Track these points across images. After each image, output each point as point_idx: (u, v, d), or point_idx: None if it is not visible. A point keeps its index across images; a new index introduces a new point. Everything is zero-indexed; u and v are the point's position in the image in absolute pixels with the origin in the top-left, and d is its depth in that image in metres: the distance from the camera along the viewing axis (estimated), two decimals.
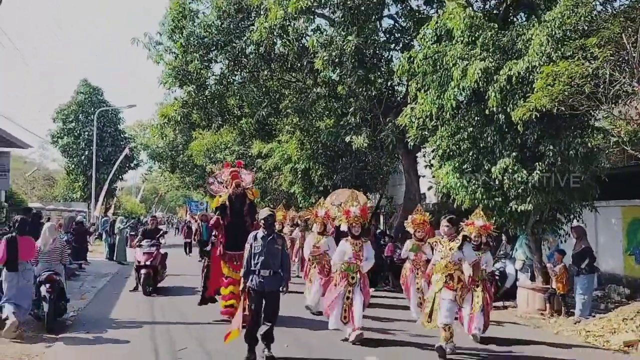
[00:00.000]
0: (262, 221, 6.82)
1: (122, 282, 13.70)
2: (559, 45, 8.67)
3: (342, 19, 13.33)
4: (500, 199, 9.70)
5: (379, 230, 17.48)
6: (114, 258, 18.40)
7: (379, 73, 13.86)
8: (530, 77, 8.78)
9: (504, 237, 12.37)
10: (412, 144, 11.60)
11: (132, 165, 39.13)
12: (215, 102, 17.72)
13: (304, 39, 15.47)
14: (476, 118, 9.84)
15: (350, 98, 14.95)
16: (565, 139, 8.94)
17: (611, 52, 7.81)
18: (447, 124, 10.24)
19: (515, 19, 12.98)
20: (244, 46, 16.11)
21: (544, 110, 8.31)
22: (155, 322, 9.05)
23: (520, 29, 9.84)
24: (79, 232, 16.97)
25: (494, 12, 12.96)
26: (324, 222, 10.26)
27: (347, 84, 13.84)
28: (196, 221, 24.81)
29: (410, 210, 12.16)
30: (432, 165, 13.11)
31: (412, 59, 10.57)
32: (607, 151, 9.37)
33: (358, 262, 7.88)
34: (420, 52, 10.39)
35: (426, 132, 10.91)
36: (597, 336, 8.19)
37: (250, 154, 23.41)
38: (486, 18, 10.64)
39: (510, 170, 9.29)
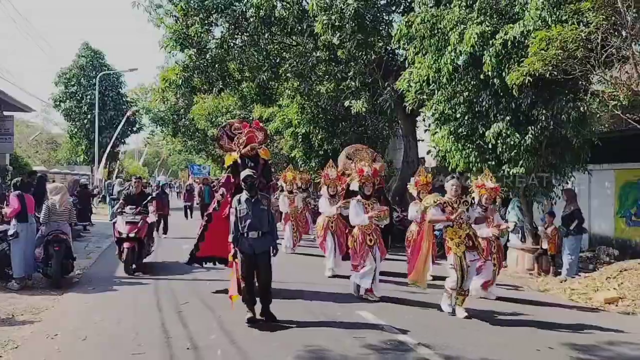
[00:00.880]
0: (242, 183, 6.66)
1: None
2: (555, 9, 8.72)
3: None
4: (493, 162, 9.94)
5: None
6: None
7: (378, 37, 13.85)
8: (526, 41, 8.87)
9: (497, 200, 12.61)
10: (409, 108, 11.75)
11: (134, 129, 39.29)
12: (216, 66, 17.72)
13: (304, 1, 15.44)
14: (472, 82, 9.96)
15: (350, 62, 14.98)
16: (558, 103, 9.11)
17: (604, 16, 7.88)
18: (443, 88, 10.36)
19: None
20: (244, 9, 16.07)
21: (537, 74, 8.45)
22: (159, 277, 9.44)
23: None
24: (83, 195, 17.29)
25: None
26: (336, 185, 10.34)
27: (346, 48, 13.87)
28: (198, 184, 25.19)
29: (408, 174, 12.34)
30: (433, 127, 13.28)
31: (410, 23, 10.62)
32: (598, 115, 9.50)
33: (372, 223, 7.88)
34: (419, 16, 10.44)
35: (423, 97, 11.05)
36: (581, 294, 8.53)
37: (251, 118, 23.55)
38: None
39: (503, 134, 9.51)
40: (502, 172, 9.85)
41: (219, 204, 8.18)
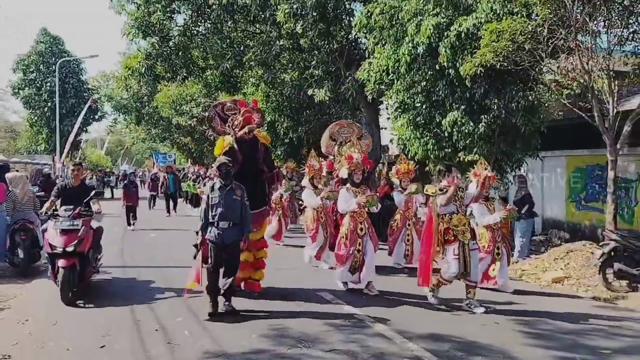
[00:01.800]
0: (217, 170, 6.47)
1: None
2: (505, 2, 9.14)
3: None
4: (449, 150, 10.37)
5: None
6: None
7: (340, 26, 14.09)
8: (479, 33, 9.26)
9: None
10: (370, 97, 12.06)
11: (96, 117, 38.58)
12: (180, 53, 17.70)
13: None
14: (429, 72, 10.33)
15: (313, 51, 15.18)
16: (509, 92, 9.58)
17: (550, 10, 8.31)
18: (402, 78, 10.71)
19: None
20: None
21: (489, 65, 8.86)
22: (127, 265, 9.56)
23: None
24: (46, 184, 17.07)
25: None
26: (320, 175, 9.93)
27: (309, 37, 14.06)
28: (163, 173, 24.92)
29: (372, 161, 12.61)
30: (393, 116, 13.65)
31: (369, 13, 10.91)
32: (547, 104, 10.00)
33: (363, 211, 7.56)
34: (378, 7, 10.73)
35: (383, 86, 11.39)
36: (530, 274, 9.04)
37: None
38: None
39: (459, 123, 9.93)
40: (458, 159, 10.28)
41: None
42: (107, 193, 30.97)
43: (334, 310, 6.68)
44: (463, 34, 9.37)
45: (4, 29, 78.00)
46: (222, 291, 6.39)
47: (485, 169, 7.55)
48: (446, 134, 10.22)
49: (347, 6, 14.37)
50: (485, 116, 9.74)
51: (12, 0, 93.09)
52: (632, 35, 9.44)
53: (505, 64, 8.83)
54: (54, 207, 7.46)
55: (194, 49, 17.73)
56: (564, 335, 5.81)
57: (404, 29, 10.27)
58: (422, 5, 10.06)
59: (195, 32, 17.54)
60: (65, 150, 31.16)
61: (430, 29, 9.56)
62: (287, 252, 11.14)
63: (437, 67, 9.98)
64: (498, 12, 9.06)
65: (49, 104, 33.55)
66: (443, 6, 9.93)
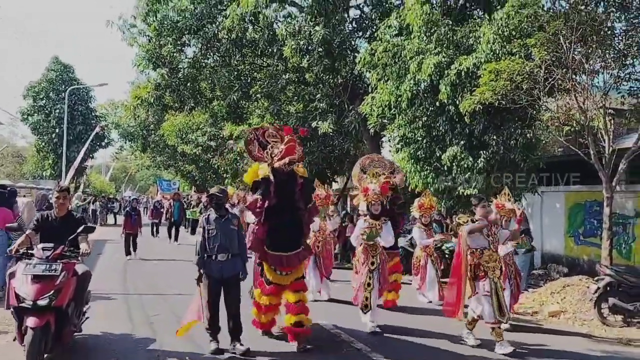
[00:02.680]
0: (209, 200, 6.37)
1: (93, 257, 14.20)
2: (505, 43, 9.51)
3: (311, 9, 13.92)
4: (449, 184, 10.60)
5: (344, 212, 18.30)
6: None
7: (344, 62, 14.52)
8: (478, 72, 9.61)
9: (454, 218, 13.32)
10: (372, 130, 12.38)
11: (103, 144, 39.10)
12: (188, 84, 18.20)
13: (275, 24, 16.04)
14: (430, 108, 10.67)
15: (318, 84, 15.61)
16: (508, 129, 9.87)
17: (547, 52, 8.66)
18: (404, 113, 11.04)
19: (472, 13, 13.76)
20: (216, 31, 16.59)
21: (487, 103, 9.17)
22: (128, 293, 9.71)
23: (473, 26, 10.64)
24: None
25: (453, 5, 13.72)
26: (328, 204, 9.82)
27: (314, 71, 14.48)
28: (168, 200, 25.08)
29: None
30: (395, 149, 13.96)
31: (373, 51, 11.31)
32: (544, 141, 10.28)
33: (377, 244, 7.27)
34: (381, 45, 11.13)
35: (385, 120, 11.72)
36: (528, 308, 9.17)
37: (221, 135, 23.95)
38: (445, 12, 11.40)
39: (458, 157, 10.21)
40: (457, 192, 10.52)
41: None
42: (110, 219, 31.30)
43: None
44: (463, 73, 9.71)
45: (4, 29, 78.69)
46: (229, 332, 6.06)
47: (509, 200, 7.42)
48: (446, 168, 10.49)
49: (352, 43, 14.82)
50: (484, 151, 10.02)
51: (12, 0, 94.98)
52: (628, 76, 9.79)
53: (504, 102, 9.14)
54: (28, 245, 5.74)
55: (202, 80, 18.20)
56: None
57: (406, 66, 10.63)
58: (424, 44, 10.44)
59: (204, 64, 18.05)
60: (69, 176, 31.45)
61: (431, 67, 9.92)
62: None
63: (437, 103, 10.32)
64: (497, 52, 9.43)
65: (57, 130, 34.05)
66: (444, 46, 10.30)
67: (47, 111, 35.02)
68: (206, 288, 6.03)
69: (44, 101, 35.15)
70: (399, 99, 10.89)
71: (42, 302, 5.14)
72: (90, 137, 33.28)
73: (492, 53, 9.52)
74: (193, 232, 21.37)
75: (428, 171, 10.85)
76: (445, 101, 10.04)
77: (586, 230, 12.98)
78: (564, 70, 8.86)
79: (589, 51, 8.89)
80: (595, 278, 8.80)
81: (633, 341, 7.29)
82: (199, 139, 28.65)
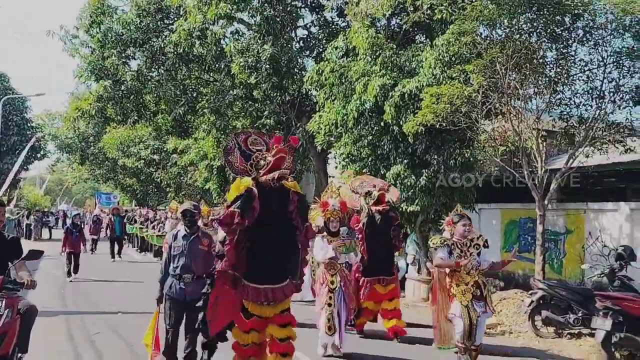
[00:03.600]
0: (182, 216, 5.85)
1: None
2: (445, 68, 9.98)
3: (259, 28, 14.08)
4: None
5: None
6: None
7: (292, 80, 14.72)
8: (420, 94, 10.02)
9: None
10: (319, 147, 12.61)
11: (38, 155, 37.58)
12: (132, 97, 17.87)
13: (222, 41, 16.08)
14: (375, 128, 10.99)
15: (265, 101, 15.74)
16: (448, 150, 10.32)
17: (484, 77, 9.16)
18: (350, 132, 11.34)
19: (415, 39, 14.31)
20: (162, 45, 16.43)
21: (429, 124, 9.57)
22: (69, 311, 9.45)
23: (416, 50, 11.09)
24: None
25: (397, 30, 14.23)
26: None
27: (262, 88, 14.60)
28: (107, 215, 24.37)
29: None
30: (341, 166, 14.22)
31: (320, 71, 11.58)
32: (481, 162, 10.80)
33: (336, 262, 6.89)
34: (328, 66, 11.42)
35: (332, 138, 11.98)
36: None
37: (165, 149, 23.64)
38: (389, 36, 11.84)
39: (402, 175, 10.56)
40: (401, 209, 10.85)
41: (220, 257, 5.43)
42: (45, 234, 30.06)
43: None
44: (406, 95, 10.10)
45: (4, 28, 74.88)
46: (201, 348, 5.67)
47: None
48: None
49: (300, 62, 15.07)
50: (426, 170, 10.42)
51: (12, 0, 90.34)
52: (559, 101, 10.45)
53: (444, 124, 9.56)
54: None
55: (146, 93, 17.95)
56: None
57: (352, 87, 10.95)
58: (370, 66, 10.78)
59: (149, 77, 17.82)
60: (3, 189, 30.11)
61: (376, 89, 10.26)
62: None
63: (382, 123, 10.65)
64: (438, 76, 9.87)
65: None
66: (389, 68, 10.67)
67: None
68: (168, 310, 5.60)
69: None
70: (346, 117, 11.17)
71: None
72: (26, 149, 31.97)
73: (433, 77, 9.96)
74: (141, 250, 20.91)
75: None
76: (390, 121, 10.39)
77: (521, 246, 13.61)
78: (500, 94, 9.38)
79: (523, 77, 9.44)
80: (529, 292, 9.29)
81: (563, 352, 7.75)
82: (141, 152, 28.13)
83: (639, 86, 9.29)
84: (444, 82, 9.66)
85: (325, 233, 7.06)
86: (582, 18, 9.11)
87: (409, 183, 10.46)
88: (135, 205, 35.15)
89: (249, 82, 14.51)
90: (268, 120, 15.58)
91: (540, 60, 9.62)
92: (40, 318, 8.16)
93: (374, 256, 7.86)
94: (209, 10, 13.48)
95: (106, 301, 10.27)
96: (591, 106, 9.80)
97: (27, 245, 5.18)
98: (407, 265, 12.74)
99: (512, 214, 13.90)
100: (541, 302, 8.61)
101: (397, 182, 10.59)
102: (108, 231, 19.48)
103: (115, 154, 29.93)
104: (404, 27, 13.75)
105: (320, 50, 15.91)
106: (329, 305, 6.77)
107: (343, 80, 11.20)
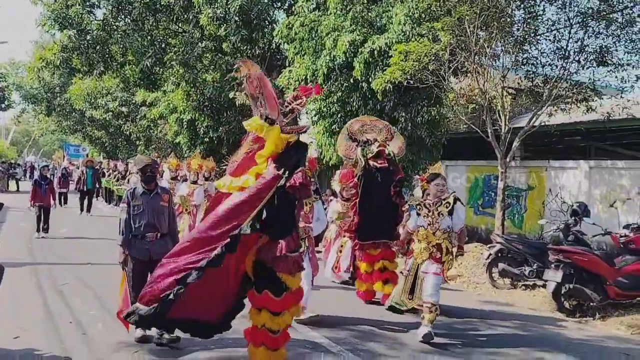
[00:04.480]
0: (140, 173, 5.61)
1: None
2: (415, 25, 10.00)
3: None
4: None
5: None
6: None
7: (262, 33, 14.52)
8: (390, 51, 10.05)
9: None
10: None
11: (3, 106, 36.55)
12: (98, 48, 17.39)
13: None
14: (344, 84, 11.03)
15: (235, 54, 15.50)
16: (415, 107, 10.46)
17: (453, 35, 9.23)
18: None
19: None
20: None
21: (397, 82, 9.65)
22: (37, 262, 9.49)
23: (386, 6, 11.04)
24: None
25: None
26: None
27: (231, 41, 14.38)
28: (75, 166, 23.77)
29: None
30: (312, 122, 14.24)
31: (290, 25, 11.45)
32: (448, 119, 10.98)
33: (307, 225, 6.29)
34: (298, 20, 11.30)
35: None
36: None
37: (134, 101, 23.21)
38: None
39: None
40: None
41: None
42: (12, 186, 29.50)
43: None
44: (376, 52, 10.12)
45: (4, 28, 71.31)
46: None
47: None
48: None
49: (270, 14, 14.83)
50: (394, 127, 10.53)
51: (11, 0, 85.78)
52: (525, 60, 10.59)
53: (412, 81, 9.66)
54: None
55: (113, 44, 17.46)
56: (453, 326, 6.61)
57: (323, 42, 10.90)
58: (340, 21, 10.72)
59: (115, 27, 17.32)
60: None
61: (346, 45, 10.24)
62: None
63: (351, 80, 10.69)
64: (407, 33, 9.89)
65: None
66: (359, 24, 10.63)
67: None
68: (131, 272, 5.30)
69: None
70: (316, 73, 11.16)
71: None
72: None
73: (403, 34, 9.97)
74: (108, 201, 20.71)
75: None
76: (359, 78, 10.42)
77: (484, 201, 14.02)
78: (468, 53, 9.48)
79: (491, 36, 9.55)
80: (488, 245, 9.67)
81: (517, 302, 8.18)
82: (109, 104, 27.53)
83: (602, 47, 9.47)
84: (413, 39, 9.70)
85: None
86: None
87: None
88: (109, 159, 34.64)
89: (218, 34, 14.26)
90: (238, 74, 15.36)
91: (508, 19, 9.69)
92: (8, 269, 8.24)
93: (371, 217, 7.05)
94: None
95: (75, 254, 10.31)
96: (556, 66, 9.98)
97: None
98: None
99: (476, 170, 14.21)
100: (499, 255, 8.99)
101: None
102: (79, 184, 18.63)
103: (83, 105, 29.19)
104: None
105: (292, 3, 15.67)
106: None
107: (313, 35, 11.13)
